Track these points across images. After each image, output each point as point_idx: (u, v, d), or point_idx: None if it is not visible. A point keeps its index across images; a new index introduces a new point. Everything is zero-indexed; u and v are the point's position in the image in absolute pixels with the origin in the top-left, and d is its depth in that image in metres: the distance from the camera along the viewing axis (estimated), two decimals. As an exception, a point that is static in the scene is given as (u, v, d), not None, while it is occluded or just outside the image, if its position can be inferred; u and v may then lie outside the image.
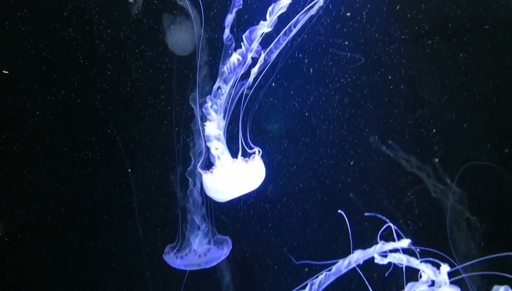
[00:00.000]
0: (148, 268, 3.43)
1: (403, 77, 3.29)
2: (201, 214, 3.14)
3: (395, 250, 2.12)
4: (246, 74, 2.34)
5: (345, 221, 2.36)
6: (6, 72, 3.13)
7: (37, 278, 3.44)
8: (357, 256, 2.16)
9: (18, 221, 3.41)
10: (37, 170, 3.35)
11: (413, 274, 2.21)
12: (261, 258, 3.55)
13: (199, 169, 2.52)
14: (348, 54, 3.19)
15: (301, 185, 3.46)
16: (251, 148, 2.47)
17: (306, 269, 3.23)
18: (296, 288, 2.22)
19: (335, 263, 2.20)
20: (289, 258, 3.43)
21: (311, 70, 3.25)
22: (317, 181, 3.45)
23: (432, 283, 2.11)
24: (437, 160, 3.29)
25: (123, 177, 3.33)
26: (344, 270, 2.17)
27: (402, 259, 2.05)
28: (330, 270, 2.18)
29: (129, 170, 3.31)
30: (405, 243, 2.09)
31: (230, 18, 2.15)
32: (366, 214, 2.58)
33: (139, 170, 3.37)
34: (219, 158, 2.41)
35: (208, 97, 2.34)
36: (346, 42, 3.19)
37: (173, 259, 3.10)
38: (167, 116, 3.23)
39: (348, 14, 3.10)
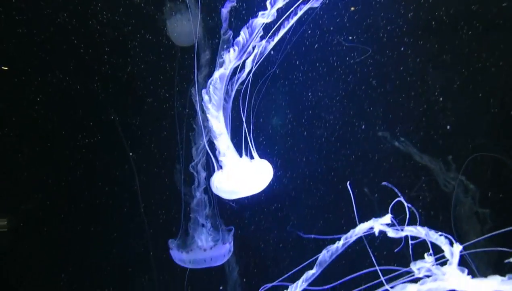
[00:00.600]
0: (152, 252, 3.43)
1: (413, 62, 3.23)
2: (205, 212, 3.13)
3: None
4: (247, 68, 2.29)
5: (351, 197, 2.35)
6: (6, 68, 3.13)
7: (39, 264, 3.45)
8: (361, 228, 2.16)
9: (21, 210, 3.41)
10: (38, 158, 3.34)
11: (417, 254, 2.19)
12: (267, 234, 3.53)
13: (215, 164, 2.45)
14: (353, 37, 3.14)
15: (304, 159, 3.43)
16: (255, 142, 2.44)
17: (312, 236, 3.23)
18: (303, 265, 2.27)
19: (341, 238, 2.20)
20: (295, 234, 3.43)
21: (313, 57, 3.22)
22: (321, 155, 3.43)
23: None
24: (450, 157, 3.24)
25: (125, 162, 3.32)
26: (350, 241, 2.17)
27: (420, 232, 2.02)
28: (336, 244, 2.18)
29: (131, 154, 3.31)
30: (387, 218, 2.07)
31: (225, 12, 2.17)
32: (383, 183, 2.57)
33: (141, 156, 3.36)
34: (224, 155, 2.37)
35: (205, 91, 2.28)
36: (351, 37, 3.14)
37: (178, 255, 3.08)
38: (169, 103, 3.22)
39: (352, 8, 3.07)
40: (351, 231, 2.20)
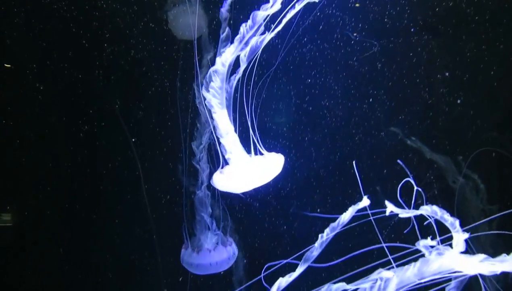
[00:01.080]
0: (155, 236, 3.47)
1: (420, 48, 3.28)
2: (209, 210, 3.17)
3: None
4: (247, 61, 2.26)
5: (357, 177, 2.33)
6: (8, 66, 3.17)
7: (43, 255, 3.51)
8: (345, 217, 2.14)
9: (24, 203, 3.48)
10: (40, 148, 3.40)
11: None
12: (271, 215, 3.58)
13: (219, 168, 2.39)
14: (358, 25, 3.18)
15: (306, 138, 3.47)
16: (263, 139, 2.40)
17: (318, 209, 3.35)
18: (308, 248, 2.22)
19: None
20: (299, 216, 3.48)
21: (317, 37, 3.25)
22: (324, 135, 3.48)
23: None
24: (461, 157, 3.25)
25: (128, 149, 3.36)
26: (350, 216, 2.14)
27: (436, 212, 1.97)
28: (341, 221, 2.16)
29: (133, 140, 3.33)
30: (365, 202, 2.09)
31: (224, 11, 2.18)
32: (398, 161, 2.53)
33: (144, 144, 3.40)
34: (231, 152, 2.31)
35: (205, 90, 2.22)
36: (355, 34, 3.19)
37: (186, 256, 3.12)
38: (172, 91, 3.26)
39: (357, 4, 3.10)
40: (338, 218, 2.19)
